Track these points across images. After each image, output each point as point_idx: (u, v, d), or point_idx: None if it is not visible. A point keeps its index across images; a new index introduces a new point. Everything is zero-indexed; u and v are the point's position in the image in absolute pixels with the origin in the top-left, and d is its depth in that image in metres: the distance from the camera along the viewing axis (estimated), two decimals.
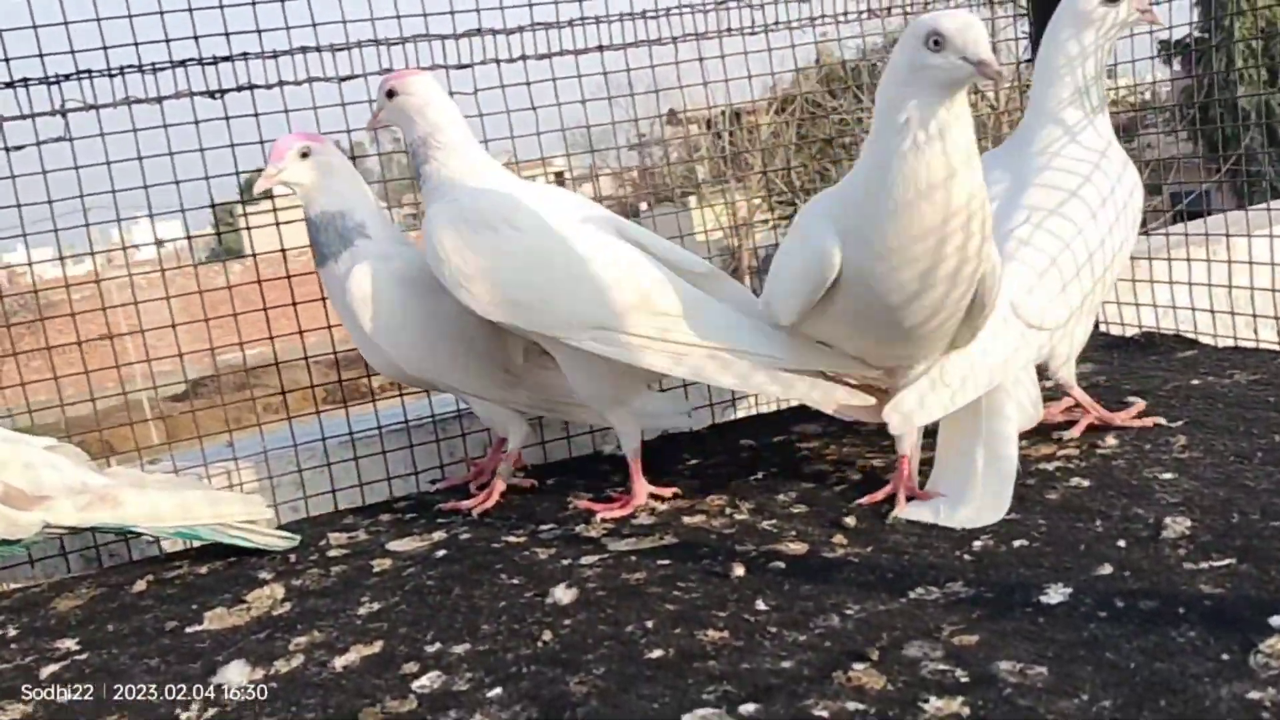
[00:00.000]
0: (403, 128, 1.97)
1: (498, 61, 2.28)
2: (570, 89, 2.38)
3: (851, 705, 1.15)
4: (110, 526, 1.84)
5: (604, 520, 1.88)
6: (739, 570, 1.57)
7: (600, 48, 2.40)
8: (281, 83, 2.13)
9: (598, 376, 1.90)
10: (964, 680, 1.18)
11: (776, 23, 2.59)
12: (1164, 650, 1.19)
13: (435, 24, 2.26)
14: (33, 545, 1.87)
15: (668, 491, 1.95)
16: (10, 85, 2.00)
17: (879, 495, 1.79)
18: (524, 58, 2.31)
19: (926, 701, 1.14)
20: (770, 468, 2.08)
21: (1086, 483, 1.73)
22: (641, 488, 1.94)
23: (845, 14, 2.68)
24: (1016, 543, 1.54)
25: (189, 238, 2.33)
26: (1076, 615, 1.30)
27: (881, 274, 1.56)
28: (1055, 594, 1.36)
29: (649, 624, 1.43)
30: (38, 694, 1.48)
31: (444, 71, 2.24)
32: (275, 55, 2.12)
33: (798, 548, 1.65)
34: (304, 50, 2.14)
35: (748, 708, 1.18)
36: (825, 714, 1.14)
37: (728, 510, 1.86)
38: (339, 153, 2.01)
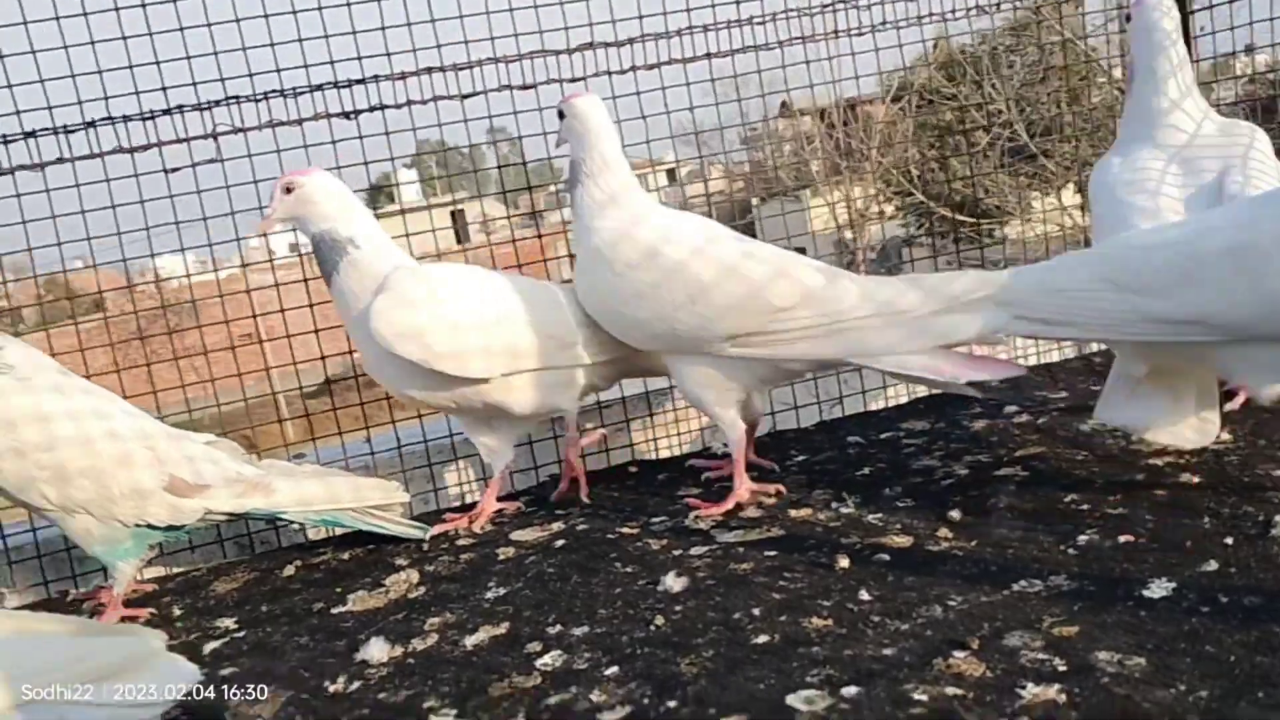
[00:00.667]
0: (571, 145, 2.08)
1: (609, 73, 2.39)
2: (678, 96, 2.47)
3: (950, 690, 1.21)
4: (263, 513, 2.00)
5: (706, 516, 1.95)
6: (843, 562, 1.63)
7: (709, 55, 2.48)
8: (410, 102, 2.28)
9: (704, 382, 1.98)
10: (1062, 669, 1.22)
11: (884, 22, 2.63)
12: (1266, 645, 1.20)
13: (550, 40, 2.38)
14: (194, 531, 2.05)
15: (771, 488, 2.02)
16: (167, 112, 2.19)
17: None
18: (634, 68, 2.41)
19: (1024, 688, 1.19)
20: (877, 463, 2.12)
21: (1197, 479, 1.73)
22: (743, 484, 2.01)
23: (954, 11, 2.70)
24: (1122, 538, 1.56)
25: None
26: (1178, 609, 1.33)
27: None
28: (1158, 588, 1.39)
29: (755, 611, 1.50)
30: (202, 669, 1.64)
31: (558, 85, 2.36)
32: (404, 76, 2.27)
33: (902, 541, 1.70)
34: (429, 70, 2.28)
35: (849, 690, 1.24)
36: (924, 698, 1.20)
37: (833, 504, 1.92)
38: (325, 182, 2.06)
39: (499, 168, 2.65)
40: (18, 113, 2.11)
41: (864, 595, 1.51)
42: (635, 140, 2.44)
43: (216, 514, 1.96)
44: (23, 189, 2.14)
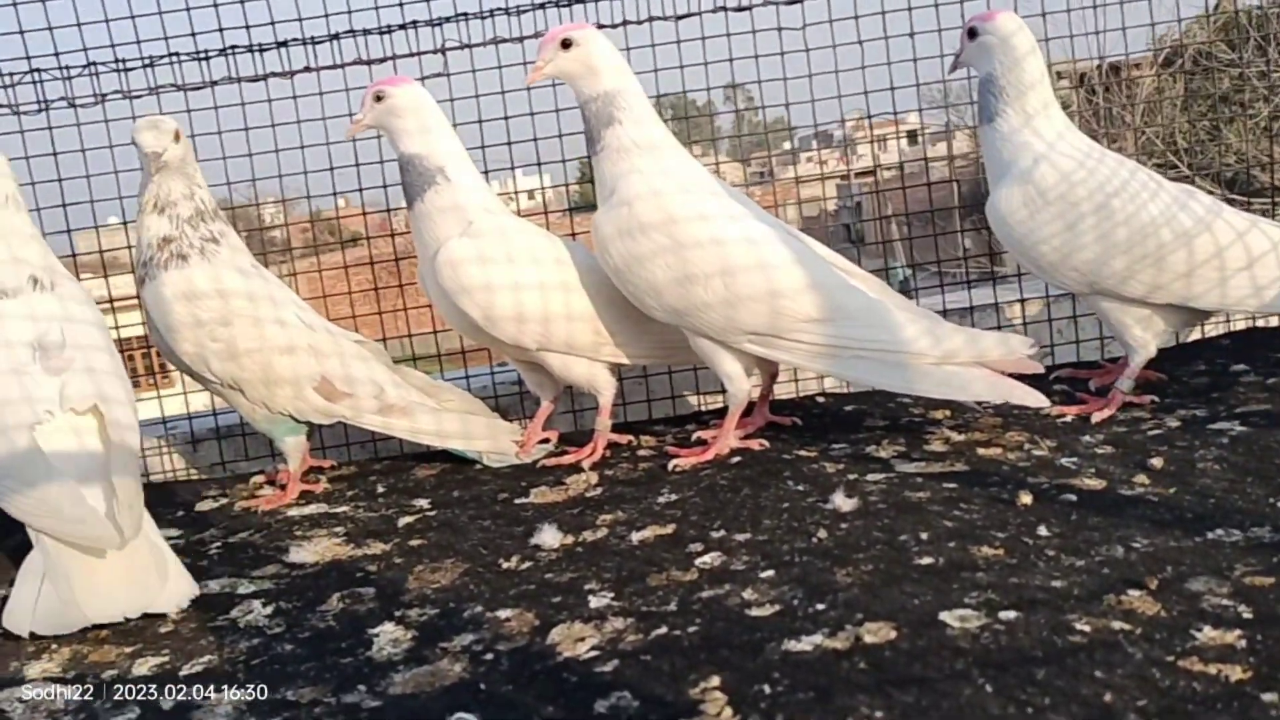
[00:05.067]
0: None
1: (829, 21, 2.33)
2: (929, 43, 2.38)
3: (1116, 624, 1.14)
4: (398, 435, 2.10)
5: (679, 468, 1.93)
6: (1026, 498, 1.56)
7: None
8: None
9: (728, 359, 1.94)
10: (1246, 616, 1.13)
11: None
12: None
13: None
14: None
15: (755, 444, 1.99)
16: (403, 27, 2.32)
17: None
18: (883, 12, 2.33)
19: (1199, 630, 1.11)
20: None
21: None
22: (727, 441, 1.98)
23: None
24: None
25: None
26: None
27: None
28: None
29: (923, 535, 1.47)
30: (395, 538, 1.77)
31: (775, 9, 2.33)
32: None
33: (1094, 483, 1.61)
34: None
35: (1007, 614, 1.20)
36: (1086, 628, 1.14)
37: (1026, 446, 1.83)
38: (416, 96, 2.01)
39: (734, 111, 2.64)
40: (272, 23, 2.29)
41: (1042, 531, 1.44)
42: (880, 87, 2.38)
43: (352, 425, 2.06)
44: (274, 95, 2.33)
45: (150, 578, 1.57)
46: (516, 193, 2.91)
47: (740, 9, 2.32)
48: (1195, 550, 1.32)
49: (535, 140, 2.40)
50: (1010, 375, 1.86)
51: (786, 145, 3.92)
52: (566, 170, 2.58)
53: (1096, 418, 1.94)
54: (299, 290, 2.50)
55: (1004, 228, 1.98)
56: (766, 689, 1.08)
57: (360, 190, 2.46)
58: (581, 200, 3.10)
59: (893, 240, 2.92)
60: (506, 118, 2.37)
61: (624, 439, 2.17)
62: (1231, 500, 1.46)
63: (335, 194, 2.49)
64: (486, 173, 2.37)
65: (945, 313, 2.39)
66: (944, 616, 1.21)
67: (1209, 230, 1.89)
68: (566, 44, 1.91)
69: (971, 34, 2.01)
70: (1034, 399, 1.83)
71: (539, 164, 2.51)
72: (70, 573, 1.52)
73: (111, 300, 2.41)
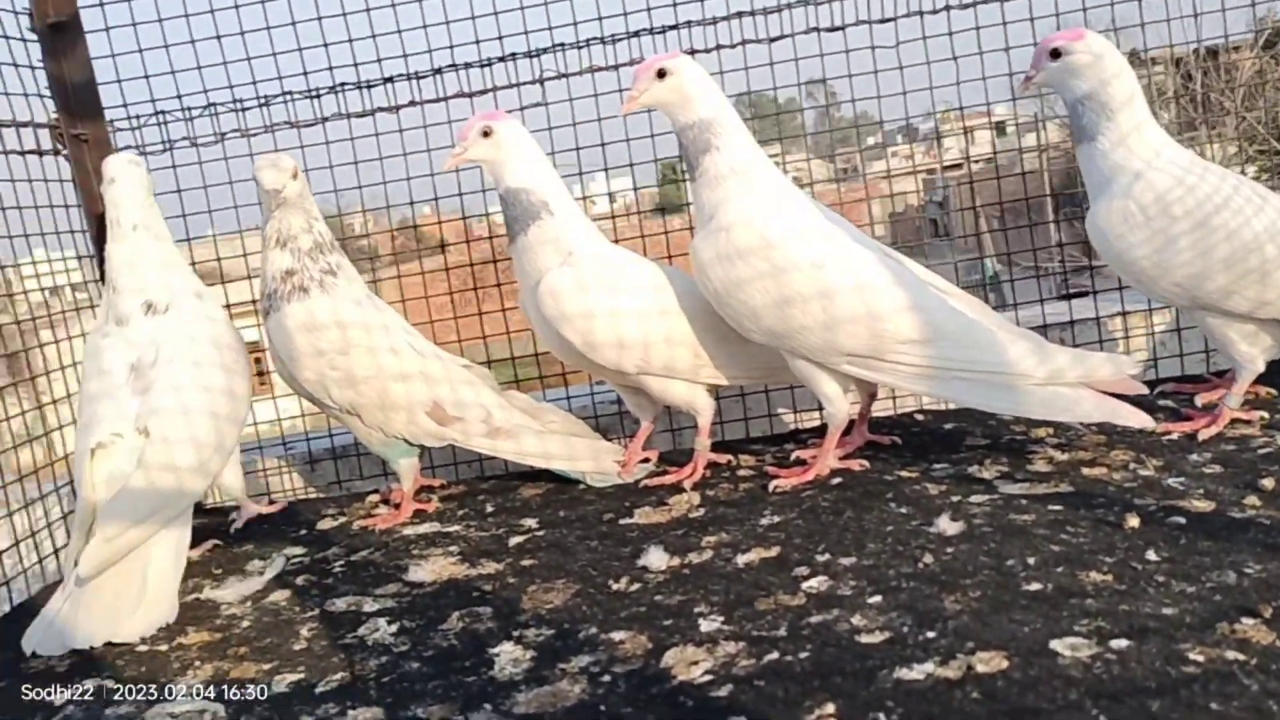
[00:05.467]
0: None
1: (920, 13, 2.34)
2: (993, 39, 2.38)
3: (1230, 654, 1.15)
4: (504, 457, 2.18)
5: (780, 489, 1.97)
6: (1133, 521, 1.56)
7: None
8: (719, 46, 2.36)
9: (827, 380, 1.97)
10: None
11: None
12: None
13: None
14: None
15: (855, 464, 2.02)
16: (502, 60, 2.41)
17: None
18: (948, 8, 2.34)
19: None
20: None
21: None
22: (827, 462, 2.02)
23: None
24: None
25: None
26: None
27: None
28: None
29: (1030, 560, 1.48)
30: (507, 558, 1.85)
31: (868, 27, 2.35)
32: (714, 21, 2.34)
33: (1203, 505, 1.60)
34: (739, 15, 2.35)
35: (1119, 643, 1.21)
36: (1200, 658, 1.15)
37: (1131, 465, 1.83)
38: (519, 132, 2.07)
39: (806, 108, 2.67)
40: (379, 60, 2.39)
41: (1151, 555, 1.45)
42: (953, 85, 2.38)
43: (460, 448, 2.15)
44: (381, 129, 2.44)
45: (122, 609, 1.73)
46: (603, 195, 2.97)
47: (834, 29, 2.35)
48: None
49: (628, 140, 2.47)
50: (1115, 394, 1.85)
51: (872, 140, 3.91)
52: (655, 168, 2.63)
53: (1203, 435, 1.93)
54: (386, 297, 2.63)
55: (1102, 242, 1.98)
56: (881, 718, 1.11)
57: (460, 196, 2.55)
58: (664, 203, 3.15)
59: (982, 234, 2.89)
60: (603, 144, 2.43)
61: (723, 458, 2.21)
62: None
63: (435, 199, 2.58)
64: (581, 174, 2.47)
65: (1045, 327, 2.39)
66: (1055, 645, 1.22)
67: None
68: (662, 73, 1.95)
69: (1055, 55, 1.98)
70: (1140, 420, 1.82)
71: (630, 164, 2.54)
72: (70, 599, 1.73)
73: None
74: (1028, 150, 3.07)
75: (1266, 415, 1.98)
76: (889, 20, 2.34)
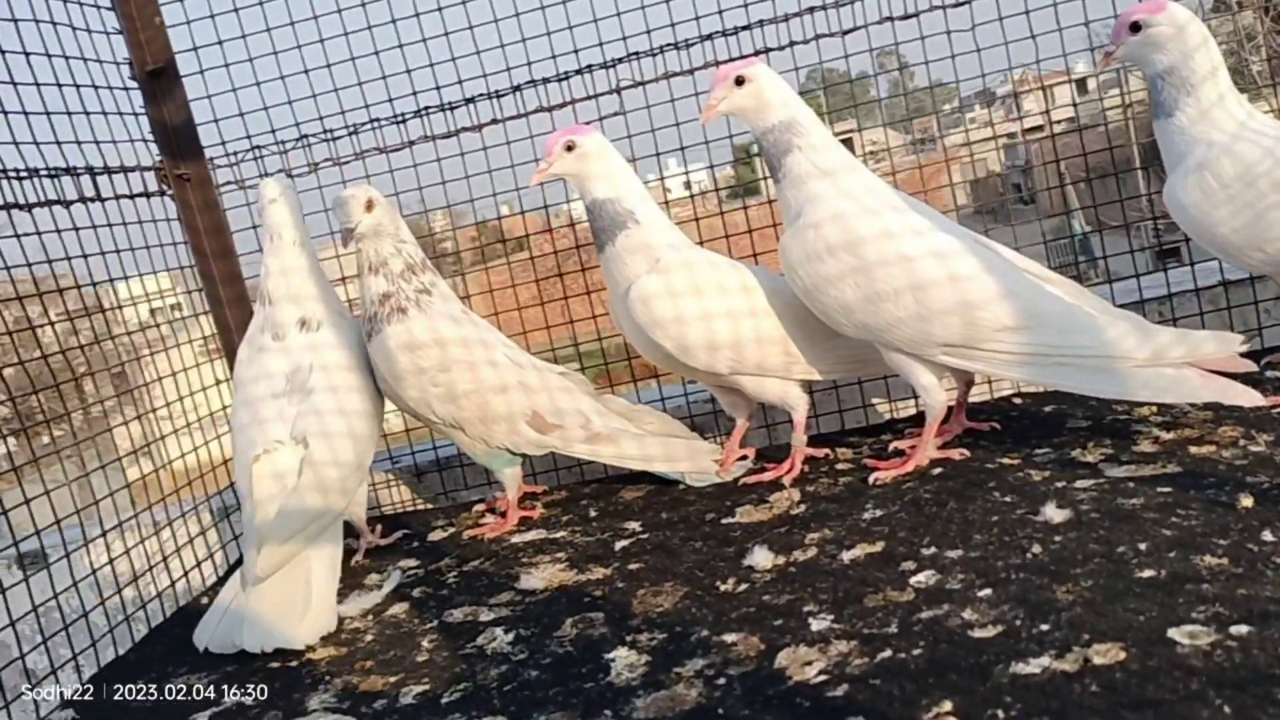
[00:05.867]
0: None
1: None
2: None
3: None
4: (605, 461, 2.23)
5: (880, 481, 1.98)
6: (1246, 501, 1.53)
7: None
8: (793, 43, 2.36)
9: (923, 371, 1.98)
10: None
11: None
12: None
13: None
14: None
15: (954, 453, 2.03)
16: (579, 72, 2.45)
17: None
18: None
19: None
20: None
21: None
22: (926, 452, 2.02)
23: None
24: None
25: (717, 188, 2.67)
26: None
27: None
28: None
29: (1141, 546, 1.47)
30: (614, 562, 1.89)
31: (942, 12, 2.33)
32: (786, 18, 2.35)
33: None
34: (810, 10, 2.35)
35: (1240, 629, 1.19)
36: None
37: (1241, 442, 1.79)
38: (603, 144, 2.12)
39: (879, 100, 2.66)
40: (459, 82, 2.46)
41: (1267, 536, 1.42)
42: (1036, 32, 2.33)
43: (562, 454, 2.21)
44: (465, 148, 2.50)
45: (289, 616, 1.83)
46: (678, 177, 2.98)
47: (906, 17, 2.33)
48: None
49: (706, 143, 2.49)
50: (1222, 372, 1.82)
51: (948, 107, 3.84)
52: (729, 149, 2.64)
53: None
54: (492, 304, 2.70)
55: (1182, 215, 1.95)
56: (1000, 714, 1.12)
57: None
58: (741, 184, 3.14)
59: (1066, 186, 2.83)
60: (682, 148, 2.46)
61: (820, 452, 2.22)
62: None
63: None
64: (658, 155, 2.52)
65: (1143, 302, 2.35)
66: (1172, 634, 1.21)
67: None
68: (740, 81, 1.98)
69: (1135, 28, 1.95)
70: (1251, 398, 1.78)
71: (706, 142, 2.54)
72: (237, 602, 1.88)
73: None
74: (1111, 106, 2.99)
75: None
76: (963, 3, 2.31)
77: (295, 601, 1.86)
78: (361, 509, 2.27)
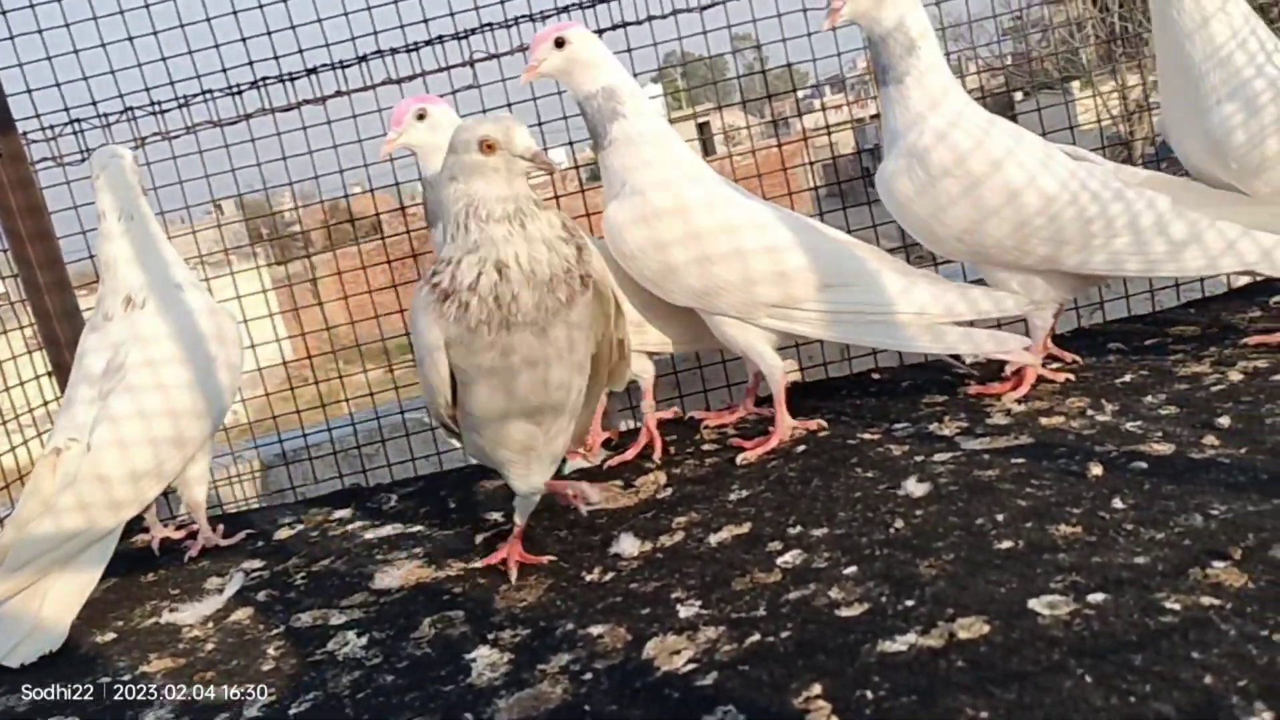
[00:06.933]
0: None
1: None
2: None
3: (1206, 600, 1.16)
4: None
5: (747, 460, 1.97)
6: (1096, 469, 1.57)
7: None
8: (650, 18, 2.32)
9: (754, 337, 2.02)
10: None
11: None
12: None
13: None
14: None
15: (812, 424, 2.05)
16: (429, 43, 2.34)
17: None
18: None
19: None
20: (1140, 371, 2.01)
21: None
22: (785, 425, 2.04)
23: None
24: None
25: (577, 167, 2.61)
26: None
27: None
28: None
29: (999, 517, 1.48)
30: (475, 556, 1.81)
31: None
32: None
33: (1163, 448, 1.61)
34: None
35: (1096, 597, 1.21)
36: (1177, 606, 1.16)
37: (1089, 412, 1.84)
38: (454, 114, 2.04)
39: (739, 77, 2.64)
40: (300, 51, 2.32)
41: (1117, 503, 1.45)
42: None
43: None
44: (308, 122, 2.36)
45: (12, 632, 1.72)
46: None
47: None
48: (1274, 513, 1.32)
49: (565, 118, 2.44)
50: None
51: (803, 94, 3.89)
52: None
53: (1009, 398, 1.99)
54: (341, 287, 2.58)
55: (890, 202, 2.02)
56: (869, 694, 1.11)
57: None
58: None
59: None
60: (540, 124, 2.39)
61: (668, 414, 2.26)
62: None
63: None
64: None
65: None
66: (1033, 604, 1.22)
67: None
68: (560, 43, 1.97)
69: None
70: (1020, 355, 1.97)
71: (570, 143, 2.50)
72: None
73: None
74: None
75: (1073, 376, 2.02)
76: None
77: (24, 617, 1.73)
78: (201, 509, 2.12)
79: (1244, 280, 2.28)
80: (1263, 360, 1.90)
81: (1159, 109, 2.08)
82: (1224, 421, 1.65)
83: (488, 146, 1.48)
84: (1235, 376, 1.86)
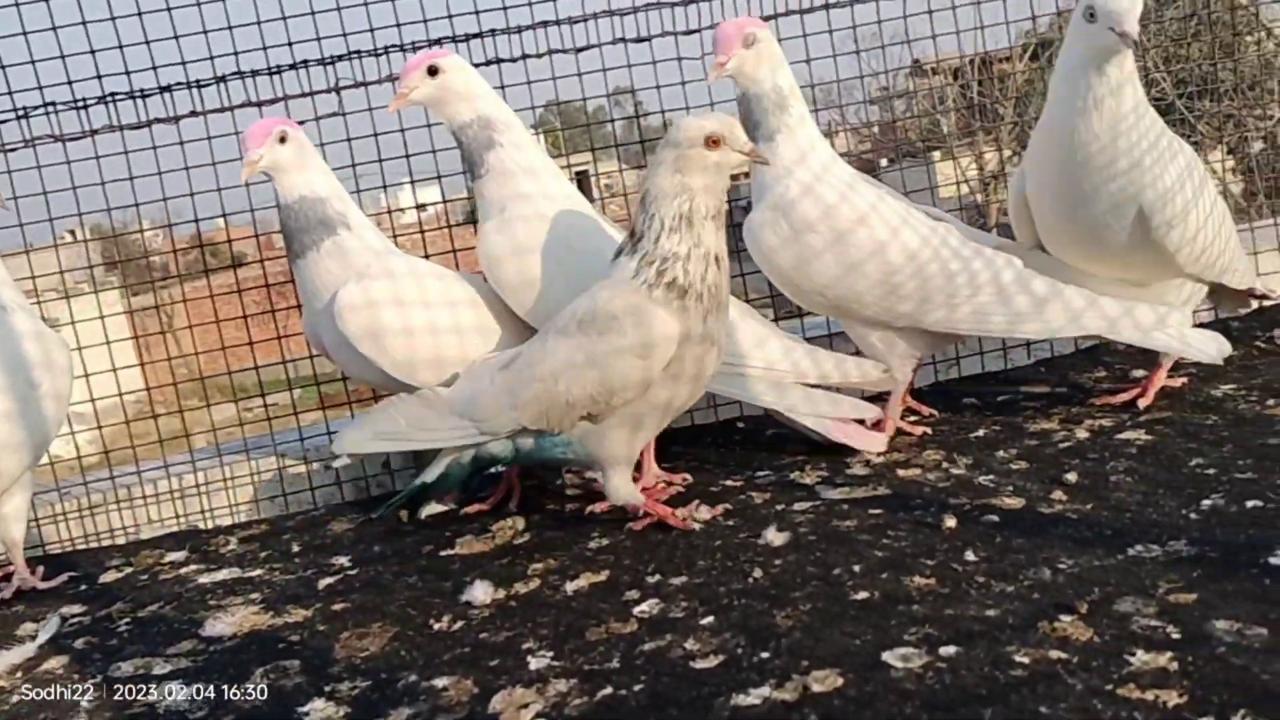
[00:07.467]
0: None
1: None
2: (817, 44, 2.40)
3: (1054, 654, 1.17)
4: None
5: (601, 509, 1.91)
6: (950, 522, 1.59)
7: (826, 5, 2.40)
8: (525, 56, 2.29)
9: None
10: (1175, 637, 1.16)
11: None
12: None
13: None
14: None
15: (677, 478, 2.01)
16: (293, 67, 2.26)
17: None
18: (774, 15, 2.34)
19: (1133, 655, 1.14)
20: (992, 426, 2.06)
21: None
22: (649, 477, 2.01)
23: None
24: (1250, 503, 1.48)
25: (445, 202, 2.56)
26: None
27: None
28: None
29: (856, 568, 1.48)
30: (317, 602, 1.71)
31: (674, 38, 2.33)
32: (520, 30, 2.28)
33: (1013, 502, 1.65)
34: (544, 24, 2.28)
35: (948, 650, 1.21)
36: (1026, 660, 1.16)
37: (944, 465, 1.87)
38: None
39: (611, 120, 2.64)
40: (154, 68, 2.20)
41: (969, 556, 1.47)
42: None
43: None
44: (158, 141, 2.24)
45: None
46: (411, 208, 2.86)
47: (640, 40, 2.32)
48: (1118, 569, 1.36)
49: (434, 151, 2.36)
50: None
51: None
52: (465, 178, 2.53)
53: (874, 449, 2.00)
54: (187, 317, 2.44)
55: (757, 252, 2.02)
56: None
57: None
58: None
59: None
60: (407, 156, 2.32)
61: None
62: (1146, 514, 1.51)
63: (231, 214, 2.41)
64: (385, 187, 2.39)
65: (830, 336, 2.39)
66: (886, 657, 1.21)
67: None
68: (434, 70, 1.93)
69: (749, 42, 1.93)
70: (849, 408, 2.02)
71: (439, 177, 2.44)
72: None
73: None
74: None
75: (929, 430, 2.07)
76: (694, 31, 2.32)
77: None
78: (18, 548, 1.95)
79: (1090, 342, 2.37)
80: (1107, 419, 1.97)
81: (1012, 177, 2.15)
82: (1071, 477, 1.70)
83: (713, 142, 1.61)
84: (1082, 434, 1.92)
